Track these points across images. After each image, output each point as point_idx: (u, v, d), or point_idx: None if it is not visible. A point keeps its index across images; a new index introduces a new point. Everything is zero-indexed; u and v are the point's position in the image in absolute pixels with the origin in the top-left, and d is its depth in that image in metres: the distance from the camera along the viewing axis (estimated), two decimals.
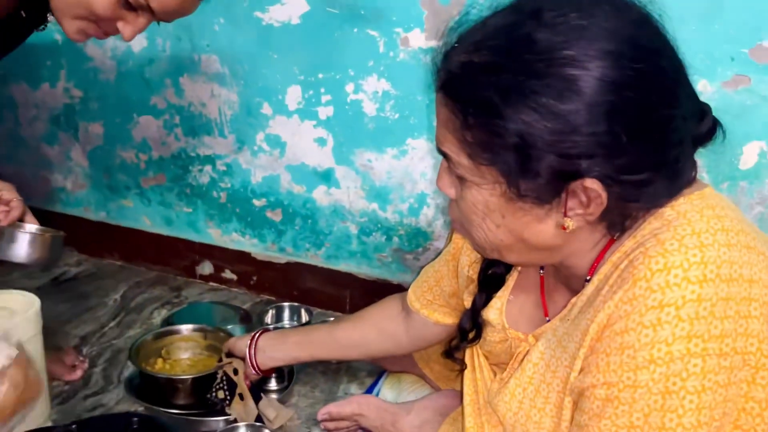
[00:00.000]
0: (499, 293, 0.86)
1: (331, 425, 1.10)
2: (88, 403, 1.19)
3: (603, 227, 0.69)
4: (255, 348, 1.10)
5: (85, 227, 1.80)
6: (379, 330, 1.07)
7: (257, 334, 1.11)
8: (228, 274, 1.66)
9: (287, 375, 1.24)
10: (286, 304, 1.50)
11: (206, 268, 1.68)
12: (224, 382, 1.10)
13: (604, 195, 0.64)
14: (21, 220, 1.07)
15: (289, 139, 1.50)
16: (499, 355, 0.85)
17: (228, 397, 1.09)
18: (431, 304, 1.00)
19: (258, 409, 1.07)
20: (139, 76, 1.61)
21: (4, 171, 1.88)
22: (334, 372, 1.32)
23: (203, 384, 1.13)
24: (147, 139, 1.66)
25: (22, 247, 1.04)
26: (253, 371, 1.10)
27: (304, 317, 1.47)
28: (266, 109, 1.50)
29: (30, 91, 1.77)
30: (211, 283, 1.68)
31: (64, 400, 1.20)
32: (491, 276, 0.87)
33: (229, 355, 1.12)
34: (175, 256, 1.71)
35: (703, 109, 0.69)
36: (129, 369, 1.28)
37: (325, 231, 1.54)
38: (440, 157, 0.72)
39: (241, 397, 1.08)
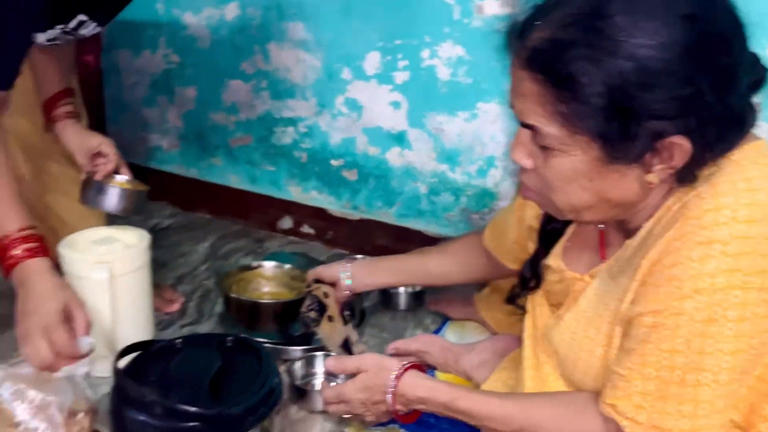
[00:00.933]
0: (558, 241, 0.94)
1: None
2: (185, 331, 1.35)
3: (673, 179, 0.74)
4: (348, 273, 1.21)
5: (178, 183, 1.97)
6: (464, 263, 1.18)
7: (348, 261, 1.22)
8: (306, 229, 1.79)
9: (358, 315, 1.35)
10: (359, 257, 1.62)
11: (286, 222, 1.82)
12: (315, 305, 1.20)
13: (690, 149, 0.69)
14: (117, 172, 1.24)
15: (367, 102, 1.60)
16: (557, 294, 0.93)
17: (318, 318, 1.20)
18: (500, 246, 1.09)
19: (345, 331, 1.18)
20: (231, 43, 1.75)
21: (109, 132, 2.08)
22: (402, 318, 1.42)
23: (289, 310, 1.24)
24: (236, 102, 1.80)
25: (111, 199, 1.21)
26: (345, 295, 1.20)
27: None
28: (346, 74, 1.60)
29: (132, 58, 1.94)
30: (291, 237, 1.81)
31: (164, 328, 1.36)
32: (551, 231, 0.94)
33: (317, 281, 1.23)
34: (258, 211, 1.85)
35: (756, 58, 0.73)
36: (220, 305, 1.43)
37: (396, 190, 1.64)
38: (510, 121, 0.77)
39: (330, 319, 1.19)
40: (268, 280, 1.41)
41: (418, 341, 1.19)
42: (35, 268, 0.98)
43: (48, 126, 1.24)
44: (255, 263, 1.43)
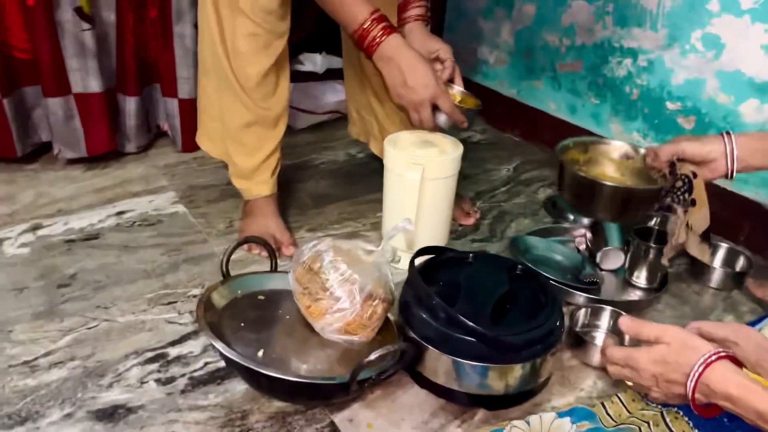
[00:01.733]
0: None
1: None
2: (474, 246, 1.37)
3: None
4: (732, 150, 0.99)
5: (496, 100, 1.96)
6: None
7: (722, 136, 1.01)
8: None
9: (659, 279, 1.21)
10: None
11: None
12: (687, 185, 1.01)
13: None
14: (451, 81, 1.23)
15: (731, 41, 1.35)
16: None
17: (685, 201, 1.02)
18: None
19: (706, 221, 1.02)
20: None
21: (444, 38, 2.14)
22: (711, 296, 1.24)
23: (634, 198, 1.12)
24: (574, 24, 1.69)
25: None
26: (714, 178, 1.02)
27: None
28: (713, 5, 1.37)
29: None
30: None
31: (456, 237, 1.40)
32: None
33: (680, 160, 1.03)
34: None
35: None
36: (511, 229, 1.42)
37: None
38: None
39: (693, 203, 1.01)
40: (610, 161, 1.25)
41: (728, 328, 1.01)
42: (396, 44, 1.09)
43: (398, 25, 1.30)
44: (602, 138, 1.28)
